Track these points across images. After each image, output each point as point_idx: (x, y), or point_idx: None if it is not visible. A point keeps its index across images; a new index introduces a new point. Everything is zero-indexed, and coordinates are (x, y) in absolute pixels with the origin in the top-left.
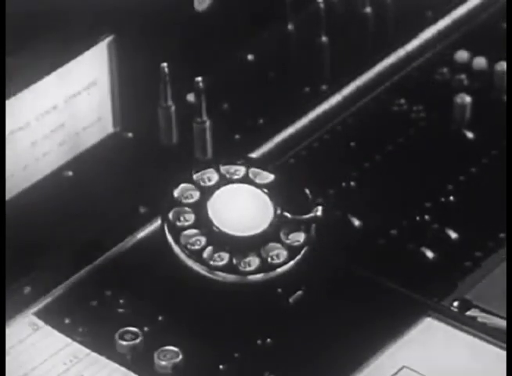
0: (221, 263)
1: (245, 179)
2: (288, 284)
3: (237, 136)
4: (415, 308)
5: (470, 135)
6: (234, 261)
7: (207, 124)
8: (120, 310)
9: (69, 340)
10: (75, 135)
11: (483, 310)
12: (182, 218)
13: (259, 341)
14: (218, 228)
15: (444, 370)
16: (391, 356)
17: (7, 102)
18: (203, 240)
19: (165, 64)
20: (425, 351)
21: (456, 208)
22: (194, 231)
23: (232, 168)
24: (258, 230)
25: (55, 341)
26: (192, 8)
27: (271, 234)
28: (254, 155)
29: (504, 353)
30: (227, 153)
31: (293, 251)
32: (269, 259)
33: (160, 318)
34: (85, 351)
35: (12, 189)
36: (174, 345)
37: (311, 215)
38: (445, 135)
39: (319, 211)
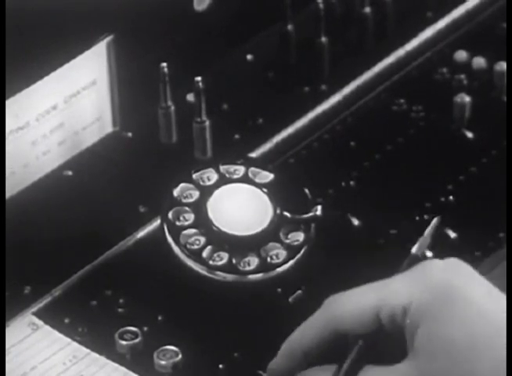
0: (220, 263)
1: (244, 179)
2: (288, 284)
3: (237, 136)
4: None
5: (469, 134)
6: (233, 260)
7: (207, 123)
8: (120, 310)
9: (68, 340)
10: (75, 134)
11: None
12: (181, 218)
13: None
14: (217, 227)
15: None
16: None
17: (7, 102)
18: (202, 239)
19: (165, 64)
20: None
21: (455, 208)
22: (194, 231)
23: (232, 168)
24: (258, 230)
25: (54, 341)
26: (191, 8)
27: (270, 234)
28: (253, 155)
29: None
30: (226, 152)
31: (292, 250)
32: (269, 259)
33: (159, 318)
34: (85, 351)
35: (12, 188)
36: (173, 345)
37: (311, 214)
38: (444, 134)
39: (319, 210)
